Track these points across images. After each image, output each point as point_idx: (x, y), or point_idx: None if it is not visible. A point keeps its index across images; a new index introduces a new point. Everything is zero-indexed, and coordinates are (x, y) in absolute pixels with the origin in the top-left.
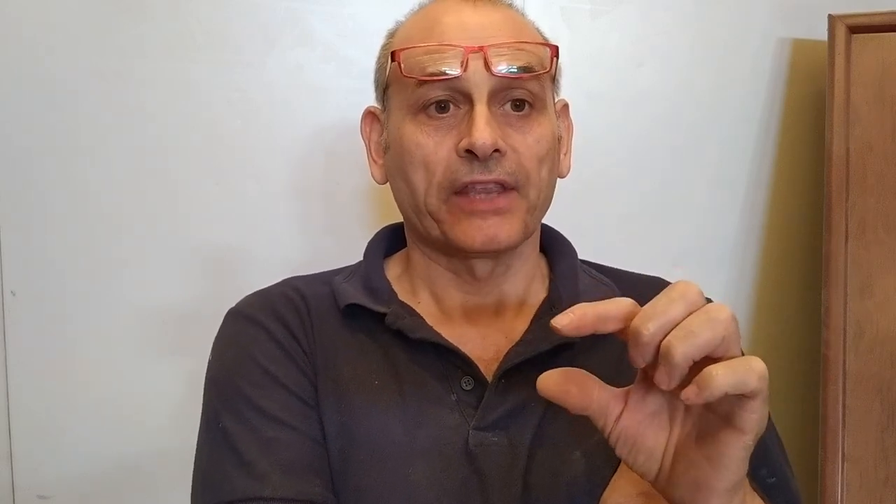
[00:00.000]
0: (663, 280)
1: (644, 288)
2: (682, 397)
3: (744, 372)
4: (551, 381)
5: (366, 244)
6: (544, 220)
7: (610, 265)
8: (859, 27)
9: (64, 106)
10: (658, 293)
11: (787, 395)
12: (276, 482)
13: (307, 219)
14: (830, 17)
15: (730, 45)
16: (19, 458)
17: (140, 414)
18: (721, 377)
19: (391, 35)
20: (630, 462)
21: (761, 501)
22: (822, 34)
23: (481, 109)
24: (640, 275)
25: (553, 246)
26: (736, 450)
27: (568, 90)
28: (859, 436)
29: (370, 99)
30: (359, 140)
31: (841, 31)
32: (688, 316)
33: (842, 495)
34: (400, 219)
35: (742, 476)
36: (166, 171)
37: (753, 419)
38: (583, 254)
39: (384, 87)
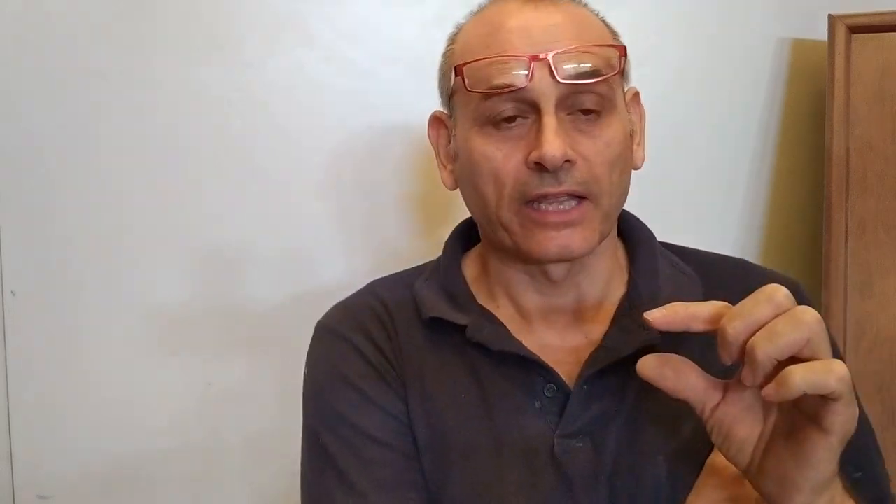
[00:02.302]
0: (746, 262)
1: (725, 272)
2: (763, 394)
3: (823, 373)
4: (649, 365)
5: (364, 242)
6: None
7: (689, 247)
8: (859, 27)
9: (64, 106)
10: (739, 277)
11: None
12: (375, 500)
13: (308, 218)
14: (830, 17)
15: (730, 45)
16: (19, 458)
17: (140, 414)
18: (799, 377)
19: (452, 41)
20: (723, 451)
21: (852, 502)
22: (822, 34)
23: (549, 120)
24: (723, 257)
25: (632, 233)
26: (821, 450)
27: None
28: None
29: (371, 99)
30: (360, 139)
31: (841, 31)
32: (774, 318)
33: None
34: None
35: (829, 476)
36: (167, 170)
37: (838, 421)
38: None
39: (449, 95)
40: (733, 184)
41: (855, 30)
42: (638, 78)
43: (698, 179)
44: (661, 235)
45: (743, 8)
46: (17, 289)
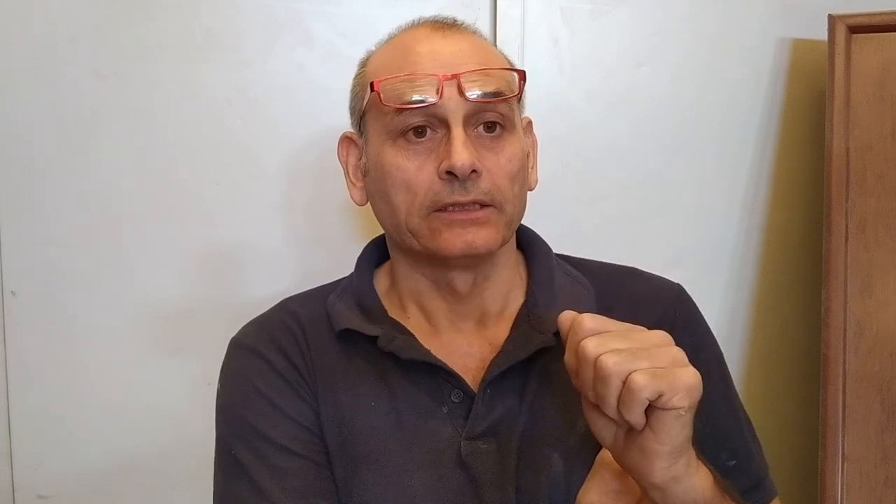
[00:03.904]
0: (636, 269)
1: (615, 280)
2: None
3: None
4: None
5: (365, 241)
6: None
7: (585, 258)
8: (859, 27)
9: (64, 106)
10: (628, 284)
11: (787, 395)
12: None
13: (308, 217)
14: (830, 17)
15: (729, 45)
16: (19, 458)
17: (140, 414)
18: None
19: (364, 64)
20: (592, 427)
21: (707, 470)
22: (822, 34)
23: (458, 133)
24: (615, 266)
25: (530, 247)
26: (670, 416)
27: (568, 90)
28: (859, 436)
29: None
30: None
31: (841, 31)
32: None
33: (842, 495)
34: None
35: (682, 441)
36: (167, 170)
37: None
38: (582, 254)
39: (361, 114)
40: (733, 184)
41: (855, 30)
42: (638, 78)
43: (698, 179)
44: (661, 235)
45: (743, 8)
46: (17, 289)
